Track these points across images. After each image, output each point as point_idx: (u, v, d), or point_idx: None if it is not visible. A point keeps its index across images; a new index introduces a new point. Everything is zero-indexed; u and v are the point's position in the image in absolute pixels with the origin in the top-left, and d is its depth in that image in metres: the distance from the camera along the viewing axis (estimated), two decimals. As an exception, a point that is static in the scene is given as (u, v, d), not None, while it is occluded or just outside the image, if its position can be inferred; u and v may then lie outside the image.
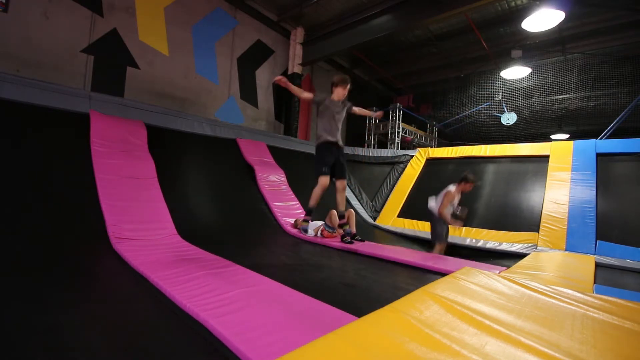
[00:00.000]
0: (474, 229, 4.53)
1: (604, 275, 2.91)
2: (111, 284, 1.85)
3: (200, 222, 3.45)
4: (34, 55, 3.98)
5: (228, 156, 4.68)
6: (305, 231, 3.56)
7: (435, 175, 5.77)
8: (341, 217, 3.53)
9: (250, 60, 6.72)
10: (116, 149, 3.27)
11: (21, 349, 1.09)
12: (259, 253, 2.88)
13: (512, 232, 4.22)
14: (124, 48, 4.78)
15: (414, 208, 5.37)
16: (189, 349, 1.17)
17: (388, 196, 5.97)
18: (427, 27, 7.23)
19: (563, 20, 5.61)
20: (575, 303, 1.51)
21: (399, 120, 7.94)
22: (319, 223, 3.57)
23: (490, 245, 4.12)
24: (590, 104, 7.67)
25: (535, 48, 7.57)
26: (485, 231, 4.41)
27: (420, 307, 1.31)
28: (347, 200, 4.05)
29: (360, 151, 7.27)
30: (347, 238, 3.29)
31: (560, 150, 4.85)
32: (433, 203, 3.63)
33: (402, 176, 6.18)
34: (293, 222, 3.97)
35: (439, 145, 9.36)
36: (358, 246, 3.08)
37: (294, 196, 4.59)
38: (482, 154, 5.62)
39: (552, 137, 9.15)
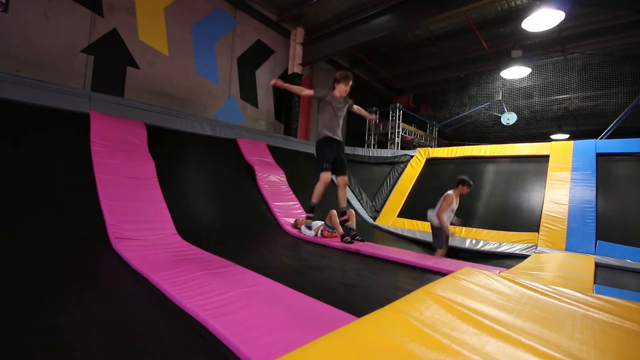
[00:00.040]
0: (474, 229, 4.52)
1: (604, 275, 2.91)
2: (111, 284, 1.85)
3: (200, 222, 3.45)
4: (34, 55, 3.98)
5: (228, 156, 4.68)
6: (310, 228, 3.55)
7: (435, 175, 5.78)
8: (343, 213, 3.53)
9: (250, 60, 6.72)
10: (116, 149, 3.27)
11: (21, 349, 1.09)
12: (258, 253, 2.88)
13: (512, 232, 4.22)
14: (124, 48, 4.79)
15: (414, 208, 5.37)
16: (189, 349, 1.17)
17: (388, 196, 5.97)
18: (427, 27, 7.23)
19: (563, 20, 5.61)
20: (575, 303, 1.51)
21: (399, 120, 7.94)
22: (319, 223, 3.57)
23: (490, 245, 4.12)
24: (590, 104, 7.67)
25: (535, 48, 7.57)
26: (485, 231, 4.41)
27: (420, 307, 1.31)
28: (347, 201, 4.05)
29: (360, 151, 7.27)
30: (347, 238, 3.29)
31: (560, 150, 4.85)
32: (432, 214, 3.66)
33: (402, 176, 6.18)
34: (293, 222, 3.97)
35: (439, 145, 9.36)
36: (358, 246, 3.08)
37: (294, 196, 4.59)
38: (482, 154, 5.62)
39: (552, 137, 9.15)
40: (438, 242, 3.61)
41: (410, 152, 6.58)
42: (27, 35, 3.92)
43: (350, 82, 3.43)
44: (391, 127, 7.98)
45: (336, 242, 3.27)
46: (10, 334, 1.17)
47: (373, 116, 4.01)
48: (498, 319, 1.26)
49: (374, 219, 5.66)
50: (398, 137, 7.83)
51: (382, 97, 10.93)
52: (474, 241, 4.28)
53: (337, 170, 3.54)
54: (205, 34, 5.86)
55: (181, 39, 5.49)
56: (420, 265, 2.57)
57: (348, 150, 6.94)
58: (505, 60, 7.90)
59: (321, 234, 3.51)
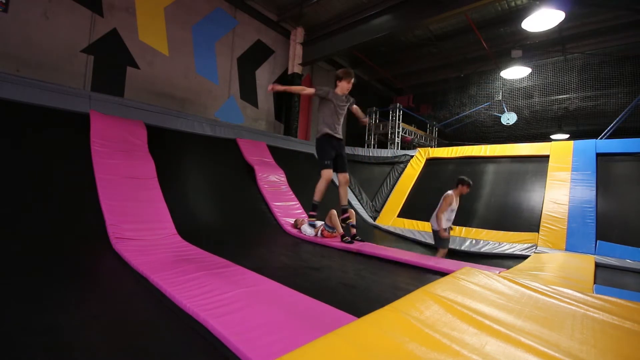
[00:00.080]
0: (474, 229, 4.53)
1: (604, 275, 2.92)
2: (111, 284, 1.85)
3: (200, 222, 3.45)
4: (34, 55, 3.98)
5: (228, 156, 4.68)
6: (314, 226, 3.53)
7: (435, 175, 5.78)
8: (344, 211, 3.53)
9: (250, 60, 6.72)
10: (116, 149, 3.27)
11: (21, 349, 1.09)
12: (258, 253, 2.88)
13: (512, 232, 4.22)
14: (124, 48, 4.78)
15: (414, 208, 5.37)
16: (189, 349, 1.17)
17: (388, 196, 5.97)
18: (427, 27, 7.23)
19: (563, 20, 5.61)
20: (575, 303, 1.51)
21: (399, 120, 7.94)
22: (319, 223, 3.57)
23: (490, 246, 4.12)
24: (590, 104, 7.67)
25: (535, 48, 7.57)
26: (485, 231, 4.41)
27: (420, 307, 1.31)
28: (347, 201, 4.04)
29: (360, 151, 7.27)
30: (347, 238, 3.29)
31: (560, 150, 4.85)
32: (433, 219, 3.71)
33: (402, 176, 6.18)
34: (293, 222, 3.97)
35: (439, 145, 9.37)
36: (358, 246, 3.08)
37: (293, 196, 4.59)
38: (482, 154, 5.62)
39: (552, 137, 9.15)
40: (439, 243, 3.62)
41: (410, 152, 6.58)
42: (27, 35, 3.92)
43: (353, 80, 3.41)
44: (391, 127, 7.98)
45: (336, 242, 3.27)
46: (10, 334, 1.17)
47: (367, 119, 3.97)
48: (498, 319, 1.26)
49: (374, 219, 5.66)
50: (398, 137, 7.83)
51: (382, 97, 10.93)
52: (474, 241, 4.28)
53: (338, 168, 3.53)
54: (205, 34, 5.86)
55: (181, 39, 5.49)
56: (420, 265, 2.57)
57: (348, 150, 6.94)
58: (505, 60, 7.90)
59: (321, 234, 3.51)
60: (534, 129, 8.44)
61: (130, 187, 3.02)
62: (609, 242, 3.57)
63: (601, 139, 4.85)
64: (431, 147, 8.45)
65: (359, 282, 2.12)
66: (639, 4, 5.84)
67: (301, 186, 4.92)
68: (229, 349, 1.13)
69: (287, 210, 4.25)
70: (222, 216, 3.72)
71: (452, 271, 2.10)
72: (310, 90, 3.44)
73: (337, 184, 3.64)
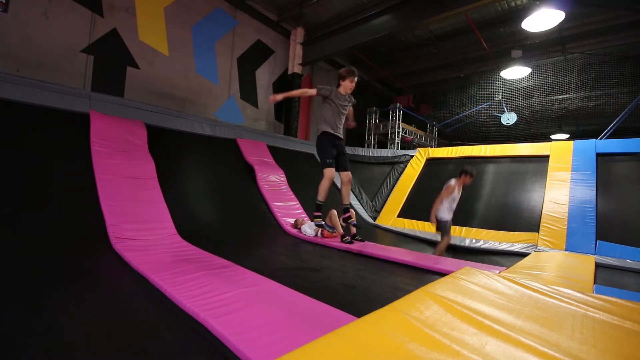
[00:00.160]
0: (474, 229, 4.53)
1: (604, 275, 2.92)
2: (111, 284, 1.85)
3: (200, 222, 3.45)
4: (34, 55, 3.98)
5: (228, 156, 4.68)
6: (320, 226, 3.50)
7: (435, 175, 5.77)
8: (346, 211, 3.51)
9: (250, 60, 6.72)
10: (116, 149, 3.27)
11: (21, 349, 1.09)
12: (258, 253, 2.88)
13: (512, 232, 4.22)
14: (124, 48, 4.79)
15: (414, 208, 5.37)
16: (189, 349, 1.17)
17: (388, 196, 5.97)
18: (427, 27, 7.23)
19: (563, 20, 5.61)
20: (575, 303, 1.51)
21: (399, 120, 7.94)
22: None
23: (490, 245, 4.12)
24: (590, 104, 7.67)
25: (535, 48, 7.57)
26: (485, 231, 4.41)
27: (420, 307, 1.31)
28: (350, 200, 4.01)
29: (360, 151, 7.27)
30: (347, 238, 3.29)
31: (560, 150, 4.85)
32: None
33: (402, 176, 6.18)
34: (293, 222, 3.97)
35: (439, 145, 9.37)
36: (358, 246, 3.08)
37: (293, 196, 4.59)
38: (482, 154, 5.62)
39: (552, 137, 9.15)
40: (443, 229, 3.60)
41: (410, 152, 6.58)
42: (27, 35, 3.92)
43: (356, 79, 3.37)
44: (391, 127, 7.98)
45: (336, 242, 3.27)
46: (10, 334, 1.17)
47: (355, 124, 3.93)
48: (498, 319, 1.26)
49: (374, 219, 5.66)
50: (398, 137, 7.83)
51: (382, 97, 10.93)
52: (473, 240, 4.28)
53: (340, 167, 3.49)
54: (205, 34, 5.86)
55: (181, 39, 5.49)
56: (420, 265, 2.57)
57: (348, 150, 6.93)
58: (505, 60, 7.90)
59: (321, 234, 3.51)
60: (534, 129, 8.45)
61: (130, 187, 3.02)
62: (609, 242, 3.57)
63: (601, 139, 4.85)
64: (431, 147, 8.45)
65: (359, 282, 2.12)
66: (639, 4, 5.84)
67: (301, 186, 4.92)
68: (229, 349, 1.13)
69: (287, 210, 4.25)
70: (222, 216, 3.72)
71: (452, 271, 2.10)
72: (312, 92, 3.40)
73: (340, 183, 3.62)
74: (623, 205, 3.91)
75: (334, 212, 3.49)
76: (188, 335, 1.25)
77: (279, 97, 3.26)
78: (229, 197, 4.08)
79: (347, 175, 3.50)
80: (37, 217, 2.45)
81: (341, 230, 3.43)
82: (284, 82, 7.27)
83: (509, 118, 8.18)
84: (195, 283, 1.68)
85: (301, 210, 4.37)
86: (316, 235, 3.53)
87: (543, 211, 4.22)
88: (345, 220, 3.48)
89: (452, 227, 3.83)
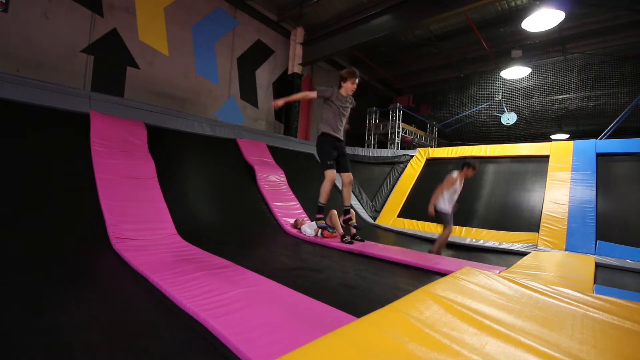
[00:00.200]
0: (474, 229, 4.53)
1: (604, 275, 2.92)
2: (111, 284, 1.85)
3: (200, 222, 3.45)
4: (34, 55, 3.98)
5: (228, 156, 4.68)
6: (324, 228, 3.48)
7: (435, 175, 5.76)
8: (346, 212, 3.50)
9: (250, 60, 6.73)
10: (116, 149, 3.27)
11: (21, 349, 1.09)
12: (258, 253, 2.88)
13: (512, 232, 4.22)
14: (124, 48, 4.79)
15: (414, 208, 5.37)
16: (189, 349, 1.17)
17: (388, 196, 5.97)
18: (427, 27, 7.23)
19: (563, 20, 5.61)
20: (575, 303, 1.51)
21: (399, 120, 7.94)
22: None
23: (490, 244, 4.12)
24: (590, 104, 7.67)
25: (535, 48, 7.57)
26: (485, 231, 4.41)
27: (420, 307, 1.31)
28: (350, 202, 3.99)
29: (360, 151, 7.27)
30: (347, 238, 3.29)
31: (560, 150, 4.85)
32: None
33: (402, 176, 6.18)
34: (293, 222, 3.97)
35: (439, 145, 9.37)
36: (358, 246, 3.08)
37: (293, 196, 4.59)
38: (482, 154, 5.62)
39: (552, 137, 9.16)
40: (444, 220, 3.60)
41: (410, 152, 6.58)
42: (27, 35, 3.92)
43: (357, 80, 3.34)
44: (391, 127, 7.98)
45: (336, 242, 3.27)
46: (10, 334, 1.17)
47: (348, 126, 3.92)
48: (498, 319, 1.26)
49: (374, 219, 5.66)
50: (398, 137, 7.83)
51: (382, 97, 10.93)
52: (474, 240, 4.28)
53: (341, 168, 3.47)
54: (205, 34, 5.86)
55: (181, 39, 5.49)
56: (420, 265, 2.57)
57: (348, 150, 6.93)
58: (505, 60, 7.90)
59: (321, 234, 3.51)
60: (534, 129, 8.45)
61: (130, 187, 3.02)
62: (609, 242, 3.57)
63: (601, 139, 4.85)
64: (431, 147, 8.45)
65: (359, 282, 2.12)
66: (639, 4, 5.84)
67: (301, 186, 4.92)
68: (229, 349, 1.13)
69: (287, 210, 4.25)
70: (222, 216, 3.72)
71: (452, 271, 2.10)
72: (313, 95, 3.36)
73: (340, 184, 3.61)
74: (623, 205, 3.91)
75: (334, 212, 3.49)
76: (188, 335, 1.25)
77: (280, 102, 3.24)
78: (229, 197, 4.08)
79: (348, 176, 3.48)
80: (37, 217, 2.45)
81: (341, 230, 3.43)
82: (284, 82, 7.27)
83: (509, 118, 8.18)
84: (195, 283, 1.68)
85: (301, 210, 4.37)
86: (316, 235, 3.53)
87: (543, 211, 4.22)
88: (346, 221, 3.47)
89: (453, 227, 3.83)
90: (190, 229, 3.01)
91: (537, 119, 8.47)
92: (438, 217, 3.64)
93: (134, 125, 3.68)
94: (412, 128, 8.53)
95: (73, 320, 1.31)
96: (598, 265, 3.16)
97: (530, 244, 3.95)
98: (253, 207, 4.13)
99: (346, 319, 1.36)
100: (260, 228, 3.81)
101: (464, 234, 4.50)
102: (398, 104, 8.10)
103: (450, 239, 4.01)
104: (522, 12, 6.18)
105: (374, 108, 8.61)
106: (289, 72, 7.21)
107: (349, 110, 3.45)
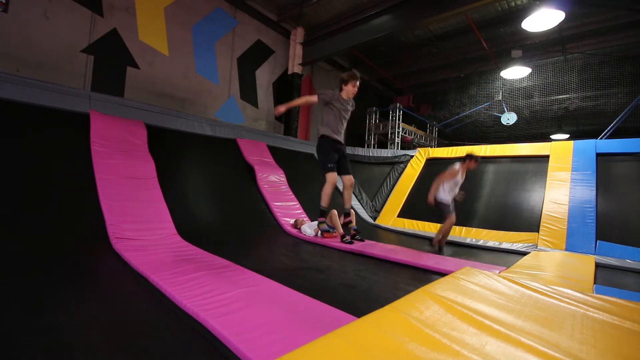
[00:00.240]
0: (474, 229, 4.53)
1: (604, 275, 2.91)
2: (111, 284, 1.85)
3: (200, 222, 3.45)
4: (34, 55, 3.98)
5: (228, 156, 4.68)
6: (327, 231, 3.47)
7: (435, 175, 5.75)
8: (347, 214, 3.49)
9: (250, 60, 6.73)
10: (116, 149, 3.27)
11: (21, 349, 1.09)
12: (258, 253, 2.88)
13: (512, 232, 4.22)
14: (124, 48, 4.79)
15: (414, 208, 5.37)
16: (189, 349, 1.17)
17: (388, 196, 5.97)
18: (427, 27, 7.23)
19: (563, 20, 5.61)
20: (575, 303, 1.51)
21: (399, 120, 7.94)
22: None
23: (490, 245, 4.12)
24: (590, 104, 7.67)
25: (535, 48, 7.57)
26: (485, 231, 4.41)
27: (420, 307, 1.31)
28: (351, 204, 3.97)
29: (360, 151, 7.27)
30: (347, 238, 3.29)
31: (560, 150, 4.85)
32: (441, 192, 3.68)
33: (402, 176, 6.18)
34: (293, 222, 3.97)
35: (439, 145, 9.37)
36: (358, 246, 3.08)
37: (293, 196, 4.59)
38: (482, 154, 5.61)
39: (552, 137, 9.16)
40: (445, 210, 3.60)
41: (410, 152, 6.58)
42: (27, 35, 3.92)
43: (358, 82, 3.31)
44: (391, 127, 7.98)
45: (336, 242, 3.27)
46: (10, 334, 1.17)
47: None
48: (498, 319, 1.26)
49: (374, 219, 5.66)
50: (398, 137, 7.83)
51: (382, 97, 10.93)
52: (474, 240, 4.28)
53: (342, 171, 3.45)
54: (205, 34, 5.86)
55: (181, 39, 5.49)
56: (420, 265, 2.57)
57: (348, 150, 6.92)
58: (505, 60, 7.90)
59: (321, 234, 3.51)
60: (534, 129, 8.45)
61: (130, 187, 3.02)
62: (609, 242, 3.57)
63: (601, 139, 4.85)
64: (431, 147, 8.45)
65: (359, 282, 2.12)
66: (639, 4, 5.84)
67: (301, 186, 4.92)
68: (229, 349, 1.13)
69: (287, 210, 4.26)
70: (222, 216, 3.72)
71: (452, 271, 2.10)
72: (314, 99, 3.33)
73: (342, 186, 3.59)
74: (623, 205, 3.91)
75: (334, 212, 3.49)
76: (188, 335, 1.25)
77: (282, 108, 3.22)
78: (229, 197, 4.08)
79: (349, 179, 3.46)
80: (37, 217, 2.45)
81: (341, 230, 3.43)
82: (284, 82, 7.27)
83: (509, 118, 8.18)
84: (195, 283, 1.68)
85: (301, 211, 4.37)
86: (316, 235, 3.53)
87: (543, 211, 4.21)
88: (346, 224, 3.47)
89: (453, 227, 3.83)
90: (190, 229, 3.01)
91: (537, 119, 8.47)
92: (439, 208, 3.64)
93: (134, 125, 3.68)
94: (412, 128, 8.53)
95: (73, 320, 1.31)
96: (598, 265, 3.16)
97: (530, 244, 3.95)
98: (253, 207, 4.13)
99: (346, 319, 1.36)
100: (260, 228, 3.82)
101: (464, 234, 4.50)
102: (398, 104, 8.10)
103: (450, 238, 4.02)
104: (522, 12, 6.18)
105: (374, 108, 8.61)
106: (289, 72, 7.21)
107: (349, 113, 3.43)
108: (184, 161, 4.08)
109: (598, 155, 4.48)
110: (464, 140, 8.90)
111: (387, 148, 7.70)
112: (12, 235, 2.20)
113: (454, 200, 3.69)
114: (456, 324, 1.20)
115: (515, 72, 7.73)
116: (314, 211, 3.65)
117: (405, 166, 6.32)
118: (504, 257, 3.60)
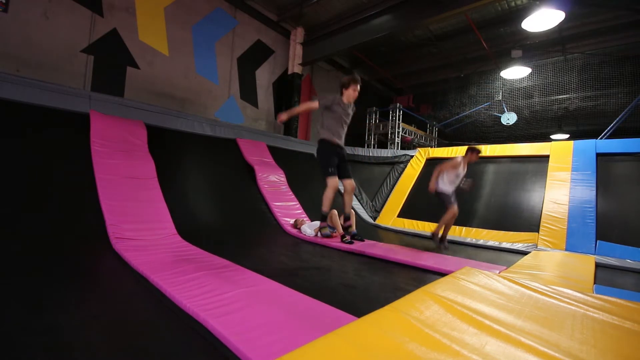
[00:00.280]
0: (474, 229, 4.53)
1: (604, 275, 2.91)
2: (111, 284, 1.85)
3: (200, 222, 3.45)
4: (34, 55, 3.98)
5: (228, 156, 4.68)
6: (329, 236, 3.46)
7: (435, 175, 5.77)
8: (347, 219, 3.48)
9: (250, 60, 6.73)
10: (116, 149, 3.27)
11: (21, 349, 1.09)
12: (258, 253, 2.88)
13: (512, 232, 4.22)
14: (124, 48, 4.79)
15: (414, 208, 5.37)
16: (189, 349, 1.17)
17: (388, 196, 5.97)
18: (427, 27, 7.22)
19: (563, 20, 5.61)
20: (575, 303, 1.51)
21: (399, 120, 7.94)
22: (319, 223, 3.57)
23: (490, 245, 4.12)
24: (590, 104, 7.67)
25: (535, 48, 7.57)
26: (486, 231, 4.41)
27: (420, 307, 1.31)
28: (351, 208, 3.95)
29: (360, 151, 7.27)
30: (347, 238, 3.29)
31: (560, 150, 4.85)
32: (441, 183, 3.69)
33: (402, 176, 6.18)
34: (293, 222, 3.97)
35: (439, 145, 9.37)
36: (358, 246, 3.08)
37: (293, 196, 4.59)
38: (482, 154, 5.61)
39: (552, 137, 9.15)
40: (447, 201, 3.60)
41: (410, 152, 6.58)
42: (27, 35, 3.92)
43: (359, 85, 3.27)
44: (391, 127, 7.98)
45: (336, 242, 3.27)
46: (10, 334, 1.17)
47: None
48: (498, 319, 1.26)
49: (374, 219, 5.66)
50: (398, 137, 7.83)
51: (382, 97, 10.93)
52: (474, 240, 4.28)
53: (342, 175, 3.42)
54: (205, 34, 5.86)
55: (181, 39, 5.49)
56: (420, 265, 2.57)
57: (348, 150, 6.93)
58: (505, 60, 7.90)
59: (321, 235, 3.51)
60: (534, 129, 8.44)
61: (130, 187, 3.02)
62: (609, 242, 3.57)
63: (601, 139, 4.85)
64: (431, 147, 8.44)
65: (359, 282, 2.12)
66: (639, 4, 5.84)
67: (301, 186, 4.92)
68: (229, 349, 1.13)
69: (287, 210, 4.26)
70: (222, 216, 3.72)
71: (452, 271, 2.10)
72: (315, 105, 3.27)
73: (342, 191, 3.56)
74: (623, 205, 3.91)
75: (335, 212, 3.49)
76: (188, 335, 1.25)
77: (284, 117, 3.20)
78: (229, 197, 4.08)
79: (350, 183, 3.43)
80: (37, 217, 2.46)
81: (341, 231, 3.43)
82: (284, 82, 7.27)
83: (509, 118, 8.18)
84: (195, 283, 1.68)
85: (301, 211, 4.37)
86: (316, 235, 3.53)
87: (543, 211, 4.21)
88: (346, 228, 3.46)
89: (453, 227, 3.83)
90: (190, 229, 3.01)
91: (537, 119, 8.47)
92: (440, 198, 3.65)
93: (134, 125, 3.68)
94: (412, 128, 8.53)
95: (73, 320, 1.31)
96: (598, 265, 3.16)
97: (530, 244, 3.95)
98: (253, 207, 4.13)
99: (346, 319, 1.36)
100: (260, 228, 3.82)
101: (464, 234, 4.50)
102: (398, 104, 8.10)
103: (450, 238, 4.02)
104: (522, 12, 6.18)
105: (374, 108, 8.61)
106: (289, 72, 7.21)
107: (350, 117, 3.40)
108: (184, 161, 4.08)
109: (598, 155, 4.48)
110: (464, 140, 8.89)
111: (387, 148, 7.69)
112: (12, 235, 2.20)
113: (460, 189, 3.70)
114: (456, 324, 1.20)
115: (515, 72, 7.73)
116: (314, 211, 3.65)
117: (405, 166, 6.32)
118: (504, 257, 3.60)
